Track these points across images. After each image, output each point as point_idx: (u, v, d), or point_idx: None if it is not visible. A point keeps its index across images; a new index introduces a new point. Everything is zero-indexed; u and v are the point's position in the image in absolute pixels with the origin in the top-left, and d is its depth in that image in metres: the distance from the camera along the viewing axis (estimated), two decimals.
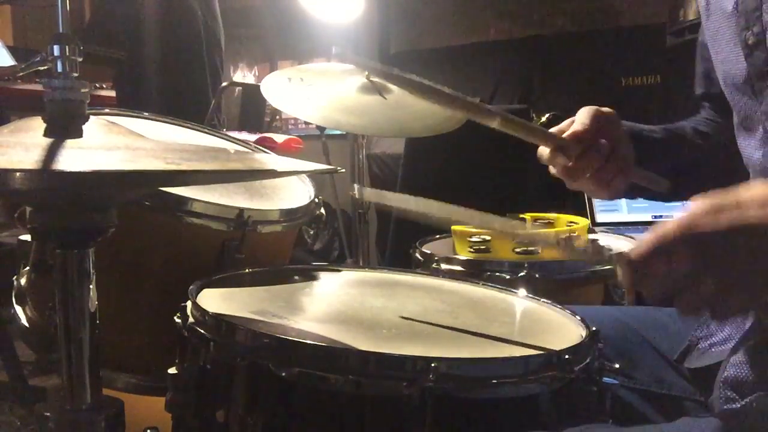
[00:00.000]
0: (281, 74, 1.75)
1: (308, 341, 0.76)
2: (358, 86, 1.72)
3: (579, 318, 0.92)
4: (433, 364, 0.70)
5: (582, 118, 1.04)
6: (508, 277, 1.39)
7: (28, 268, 1.25)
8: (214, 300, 0.93)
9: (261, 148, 1.57)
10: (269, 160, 1.09)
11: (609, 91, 3.58)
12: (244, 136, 2.43)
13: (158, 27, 2.57)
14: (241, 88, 3.43)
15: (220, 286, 1.00)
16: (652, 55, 3.43)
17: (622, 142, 1.05)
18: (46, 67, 0.77)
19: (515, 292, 1.10)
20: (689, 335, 0.93)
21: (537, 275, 1.38)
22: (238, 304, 0.92)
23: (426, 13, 4.35)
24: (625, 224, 2.39)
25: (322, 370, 0.72)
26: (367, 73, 1.75)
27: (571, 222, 1.59)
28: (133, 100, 2.58)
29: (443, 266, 1.47)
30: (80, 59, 0.78)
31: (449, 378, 0.70)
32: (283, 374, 0.73)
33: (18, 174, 0.65)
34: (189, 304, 0.89)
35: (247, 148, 1.50)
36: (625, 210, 2.46)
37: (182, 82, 2.67)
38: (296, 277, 1.13)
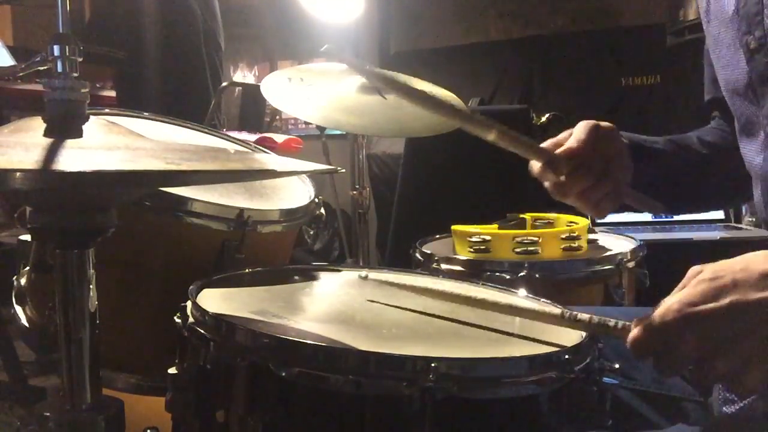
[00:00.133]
0: (281, 74, 1.75)
1: (308, 341, 0.76)
2: (358, 86, 1.72)
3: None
4: (433, 364, 0.70)
5: (578, 133, 1.03)
6: (508, 277, 1.39)
7: (28, 268, 1.25)
8: (214, 300, 0.93)
9: (261, 148, 1.57)
10: (269, 160, 1.09)
11: (609, 91, 3.58)
12: (244, 136, 2.43)
13: (158, 27, 2.56)
14: (241, 88, 3.43)
15: (220, 286, 1.00)
16: (652, 55, 3.43)
17: (619, 160, 1.04)
18: (46, 67, 0.77)
19: (515, 292, 1.10)
20: None
21: (537, 275, 1.38)
22: (238, 304, 0.92)
23: (426, 13, 4.35)
24: (625, 224, 2.40)
25: (322, 370, 0.72)
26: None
27: (571, 222, 1.59)
28: (133, 100, 2.58)
29: (443, 266, 1.47)
30: (80, 59, 0.78)
31: (449, 378, 0.70)
32: (283, 374, 0.73)
33: (18, 174, 0.65)
34: (189, 304, 0.89)
35: (247, 148, 1.50)
36: (625, 210, 2.46)
37: (182, 82, 2.67)
38: (296, 277, 1.13)
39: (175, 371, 0.84)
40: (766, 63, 0.87)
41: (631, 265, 1.49)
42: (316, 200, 1.35)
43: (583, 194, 1.02)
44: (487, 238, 1.46)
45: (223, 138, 1.53)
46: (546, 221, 1.65)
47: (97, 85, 3.01)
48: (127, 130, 0.82)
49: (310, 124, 1.94)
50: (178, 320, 0.88)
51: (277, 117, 4.37)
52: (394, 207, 2.80)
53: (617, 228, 2.02)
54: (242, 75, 5.18)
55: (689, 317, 0.68)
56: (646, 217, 2.45)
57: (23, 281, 1.25)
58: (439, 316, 0.94)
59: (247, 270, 1.11)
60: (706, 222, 2.46)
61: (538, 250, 1.43)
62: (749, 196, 0.99)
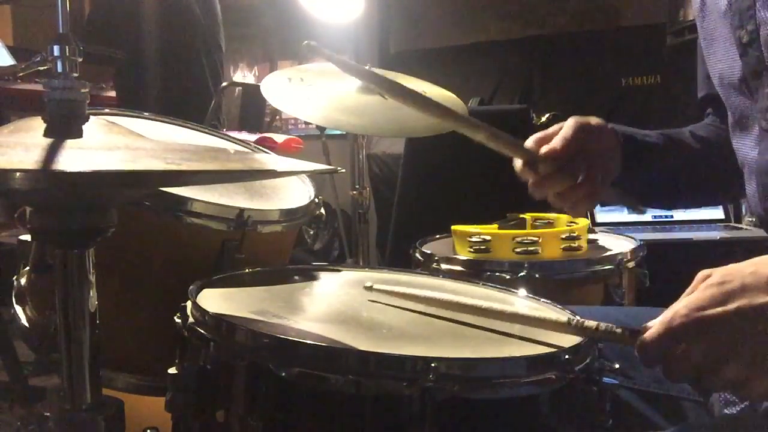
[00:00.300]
0: (281, 74, 1.75)
1: (308, 341, 0.75)
2: (358, 86, 1.72)
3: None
4: (433, 364, 0.69)
5: (566, 131, 1.03)
6: (508, 277, 1.39)
7: (28, 268, 1.25)
8: (214, 300, 0.93)
9: (261, 148, 1.57)
10: (269, 160, 1.09)
11: (609, 91, 3.58)
12: (244, 136, 2.43)
13: (158, 27, 2.56)
14: (241, 88, 3.43)
15: (220, 286, 1.00)
16: (652, 55, 3.43)
17: (606, 159, 1.05)
18: (46, 67, 0.77)
19: (515, 292, 1.10)
20: None
21: (537, 275, 1.38)
22: (238, 304, 0.92)
23: (426, 13, 4.35)
24: (625, 224, 2.40)
25: (322, 370, 0.72)
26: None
27: (571, 222, 1.59)
28: (134, 100, 2.58)
29: (443, 266, 1.47)
30: (80, 59, 0.78)
31: (449, 378, 0.70)
32: (283, 374, 0.73)
33: (18, 174, 0.65)
34: (189, 304, 0.89)
35: (247, 148, 1.50)
36: (625, 210, 2.46)
37: (182, 82, 2.67)
38: (296, 277, 1.13)
39: (175, 371, 0.84)
40: (758, 57, 0.88)
41: (631, 265, 1.49)
42: (316, 200, 1.35)
43: (560, 195, 1.03)
44: (487, 238, 1.46)
45: (223, 138, 1.53)
46: (546, 221, 1.65)
47: (102, 86, 3.01)
48: (127, 130, 0.82)
49: (310, 124, 1.94)
50: (178, 320, 0.88)
51: (277, 117, 4.37)
52: (394, 207, 2.80)
53: (617, 228, 2.02)
54: (242, 75, 5.19)
55: (697, 321, 0.68)
56: (646, 217, 2.46)
57: (23, 281, 1.25)
58: (439, 317, 0.94)
59: (247, 270, 1.11)
60: (706, 222, 2.46)
61: (538, 250, 1.43)
62: (744, 192, 0.99)
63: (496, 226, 1.57)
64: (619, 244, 1.61)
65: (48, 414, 0.82)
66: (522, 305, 1.05)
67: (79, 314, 0.81)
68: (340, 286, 1.14)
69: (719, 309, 0.67)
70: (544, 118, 2.93)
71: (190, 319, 0.86)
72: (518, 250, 1.44)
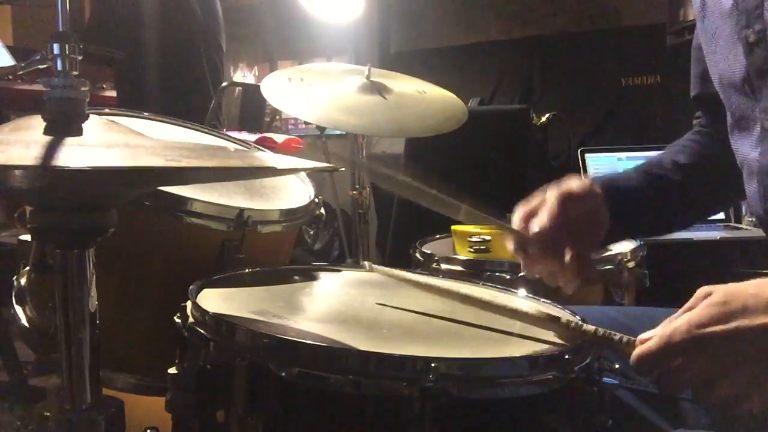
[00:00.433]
0: (281, 74, 1.76)
1: (308, 341, 0.75)
2: (358, 86, 1.72)
3: (579, 318, 0.92)
4: (433, 364, 0.69)
5: (550, 206, 1.01)
6: (508, 277, 1.39)
7: (28, 268, 1.25)
8: (214, 300, 0.93)
9: (261, 147, 1.57)
10: (269, 157, 1.09)
11: (609, 91, 3.58)
12: (244, 136, 2.43)
13: (159, 27, 2.56)
14: (241, 88, 3.43)
15: (220, 286, 1.00)
16: (652, 55, 3.43)
17: (593, 222, 1.05)
18: (45, 66, 0.77)
19: (515, 292, 1.10)
20: None
21: (537, 275, 1.38)
22: (238, 304, 0.92)
23: (426, 13, 4.35)
24: None
25: (322, 370, 0.72)
26: (367, 73, 1.76)
27: None
28: (134, 100, 2.58)
29: (443, 266, 1.47)
30: (80, 57, 0.78)
31: (449, 378, 0.70)
32: (283, 374, 0.73)
33: (17, 172, 0.65)
34: (189, 304, 0.89)
35: (247, 147, 1.50)
36: None
37: (183, 83, 2.66)
38: (296, 277, 1.13)
39: (175, 371, 0.84)
40: (764, 57, 0.88)
41: (631, 265, 1.49)
42: (316, 200, 1.35)
43: (551, 274, 1.04)
44: (487, 238, 1.46)
45: (223, 138, 1.53)
46: None
47: (103, 86, 3.01)
48: (126, 128, 0.82)
49: (310, 124, 1.94)
50: (178, 320, 0.88)
51: (277, 117, 4.37)
52: (394, 207, 2.80)
53: None
54: (242, 75, 5.18)
55: (698, 338, 0.69)
56: None
57: (23, 281, 1.25)
58: (439, 316, 0.94)
59: (247, 270, 1.11)
60: (706, 222, 2.46)
61: None
62: (743, 196, 1.00)
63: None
64: (619, 244, 1.60)
65: (48, 414, 0.82)
66: (522, 305, 1.05)
67: (79, 314, 0.81)
68: (340, 286, 1.14)
69: (720, 327, 0.69)
70: (544, 118, 2.94)
71: (190, 319, 0.86)
72: None
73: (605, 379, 0.79)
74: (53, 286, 0.81)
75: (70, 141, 0.71)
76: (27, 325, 1.21)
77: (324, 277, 1.17)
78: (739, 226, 2.53)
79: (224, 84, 2.88)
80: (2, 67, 2.83)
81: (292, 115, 3.79)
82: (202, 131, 1.49)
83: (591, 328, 0.80)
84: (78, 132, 0.75)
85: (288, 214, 1.26)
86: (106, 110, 1.39)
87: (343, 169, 0.91)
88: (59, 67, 0.76)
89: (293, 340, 0.76)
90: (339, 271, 1.21)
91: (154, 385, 1.13)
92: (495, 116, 2.92)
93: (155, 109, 1.54)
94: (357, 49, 3.53)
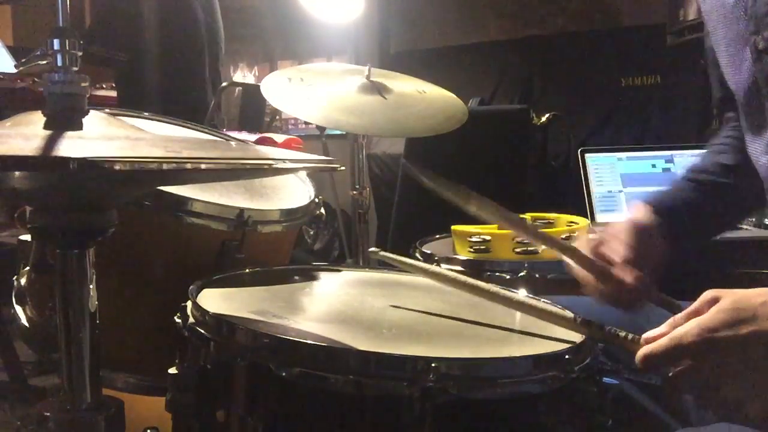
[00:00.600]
0: (281, 74, 1.75)
1: (308, 341, 0.75)
2: (358, 86, 1.72)
3: (579, 318, 0.92)
4: (433, 364, 0.70)
5: (628, 239, 1.01)
6: (508, 277, 1.39)
7: (28, 268, 1.25)
8: (214, 300, 0.93)
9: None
10: (271, 151, 1.09)
11: (609, 91, 3.58)
12: (244, 136, 2.43)
13: (160, 28, 2.56)
14: (241, 88, 3.43)
15: (220, 286, 1.00)
16: (652, 55, 3.42)
17: (655, 253, 1.04)
18: (45, 62, 0.77)
19: (515, 292, 1.10)
20: None
21: (537, 275, 1.38)
22: (238, 304, 0.92)
23: (426, 13, 4.34)
24: None
25: (322, 370, 0.72)
26: (367, 73, 1.76)
27: (571, 222, 1.59)
28: (134, 100, 2.58)
29: (443, 266, 1.47)
30: (80, 53, 0.78)
31: (449, 378, 0.70)
32: (283, 374, 0.73)
33: (18, 174, 0.65)
34: (189, 304, 0.89)
35: None
36: (625, 210, 2.46)
37: (183, 83, 2.67)
38: (296, 277, 1.13)
39: (175, 371, 0.84)
40: None
41: None
42: (316, 200, 1.35)
43: (614, 298, 1.02)
44: (487, 238, 1.46)
45: (223, 138, 1.53)
46: (546, 221, 1.65)
47: (103, 86, 3.01)
48: (126, 123, 0.82)
49: (310, 124, 1.94)
50: (178, 320, 0.88)
51: (277, 117, 4.36)
52: (394, 207, 2.80)
53: None
54: (242, 75, 5.18)
55: (708, 342, 0.71)
56: None
57: (23, 281, 1.25)
58: (439, 316, 0.94)
59: (247, 270, 1.11)
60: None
61: (538, 250, 1.42)
62: None
63: (496, 226, 1.57)
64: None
65: (48, 414, 0.81)
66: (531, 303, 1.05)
67: (79, 314, 0.81)
68: (340, 286, 1.14)
69: (730, 333, 0.71)
70: (544, 118, 2.93)
71: (190, 319, 0.86)
72: (518, 250, 1.43)
73: (605, 379, 0.79)
74: (53, 286, 0.81)
75: (70, 134, 0.71)
76: (27, 325, 1.21)
77: (324, 277, 1.17)
78: (740, 226, 2.52)
79: (224, 84, 2.88)
80: (6, 73, 2.83)
81: (292, 115, 3.79)
82: (202, 131, 1.49)
83: (596, 323, 0.81)
84: (78, 126, 0.75)
85: (288, 214, 1.26)
86: (106, 110, 1.39)
87: (343, 168, 0.91)
88: (59, 62, 0.76)
89: (293, 340, 0.76)
90: (339, 271, 1.21)
91: (154, 385, 1.13)
92: (495, 116, 2.92)
93: (155, 109, 1.54)
94: (357, 49, 3.52)
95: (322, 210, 1.36)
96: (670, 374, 0.75)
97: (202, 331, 0.83)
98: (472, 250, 1.47)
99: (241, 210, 1.14)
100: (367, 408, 0.73)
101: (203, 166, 0.70)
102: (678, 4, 2.75)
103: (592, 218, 2.41)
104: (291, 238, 1.37)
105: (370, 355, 0.74)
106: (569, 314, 0.84)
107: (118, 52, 2.47)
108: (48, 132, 0.71)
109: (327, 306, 1.04)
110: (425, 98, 1.79)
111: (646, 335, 0.77)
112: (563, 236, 1.46)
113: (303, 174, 1.42)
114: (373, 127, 1.73)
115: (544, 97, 3.78)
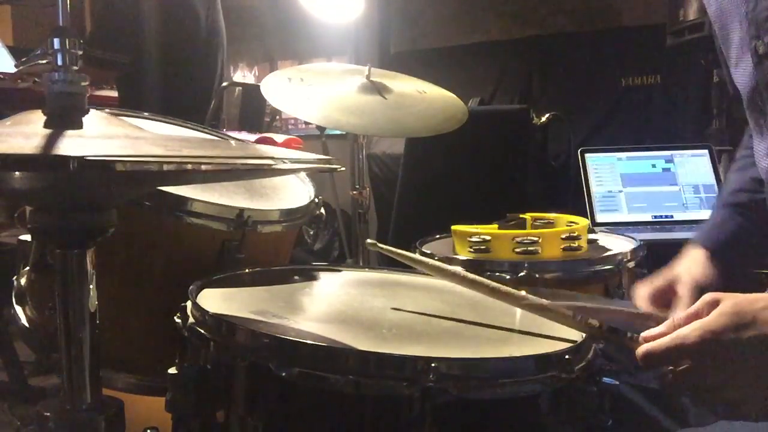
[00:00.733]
0: (281, 74, 1.75)
1: (308, 341, 0.76)
2: (358, 86, 1.72)
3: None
4: (433, 364, 0.70)
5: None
6: (508, 277, 1.38)
7: (28, 268, 1.25)
8: (214, 300, 0.93)
9: None
10: (271, 150, 1.09)
11: (609, 91, 3.58)
12: (244, 136, 2.44)
13: (161, 28, 2.56)
14: (241, 88, 3.42)
15: (220, 286, 1.00)
16: (652, 55, 3.43)
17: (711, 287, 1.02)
18: (46, 62, 0.77)
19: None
20: None
21: (537, 275, 1.38)
22: (238, 304, 0.92)
23: (426, 13, 4.35)
24: (625, 224, 2.39)
25: (322, 370, 0.72)
26: (367, 73, 1.76)
27: (571, 222, 1.59)
28: (135, 101, 2.58)
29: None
30: (80, 52, 0.78)
31: (449, 378, 0.70)
32: (283, 374, 0.73)
33: (18, 174, 0.65)
34: (189, 304, 0.89)
35: None
36: (625, 210, 2.46)
37: (184, 83, 2.66)
38: (296, 277, 1.13)
39: (175, 371, 0.84)
40: None
41: (631, 265, 1.48)
42: (316, 200, 1.35)
43: None
44: (487, 238, 1.46)
45: (223, 138, 1.53)
46: (546, 221, 1.65)
47: (104, 86, 3.01)
48: (126, 123, 0.82)
49: (310, 124, 1.94)
50: (178, 320, 0.88)
51: (277, 117, 4.36)
52: (394, 207, 2.80)
53: (617, 228, 2.01)
54: (242, 75, 5.18)
55: (710, 344, 0.72)
56: (647, 217, 2.45)
57: (23, 281, 1.25)
58: (439, 316, 0.94)
59: (247, 270, 1.11)
60: (706, 222, 2.45)
61: (538, 250, 1.42)
62: None
63: (496, 226, 1.57)
64: (619, 244, 1.61)
65: (48, 414, 0.81)
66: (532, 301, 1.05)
67: (79, 314, 0.81)
68: (340, 286, 1.14)
69: (732, 336, 0.72)
70: (544, 118, 2.93)
71: (190, 319, 0.86)
72: (518, 250, 1.43)
73: (605, 379, 0.79)
74: (53, 286, 0.81)
75: (70, 133, 0.71)
76: (27, 325, 1.21)
77: (324, 277, 1.17)
78: None
79: (224, 84, 2.88)
80: (7, 73, 2.83)
81: (292, 115, 3.79)
82: (202, 131, 1.49)
83: (596, 322, 0.81)
84: (78, 125, 0.75)
85: (288, 214, 1.26)
86: (106, 110, 1.39)
87: (343, 169, 0.91)
88: (59, 62, 0.76)
89: (293, 340, 0.76)
90: (339, 271, 1.21)
91: (154, 385, 1.13)
92: (495, 116, 2.92)
93: (156, 109, 1.54)
94: (357, 49, 3.52)
95: (322, 210, 1.36)
96: (670, 375, 0.75)
97: (202, 331, 0.83)
98: (472, 250, 1.47)
99: (241, 210, 1.14)
100: (366, 408, 0.73)
101: (204, 167, 0.70)
102: (678, 4, 2.75)
103: (592, 218, 2.42)
104: (291, 238, 1.37)
105: (370, 355, 0.74)
106: (569, 312, 0.84)
107: (120, 53, 2.47)
108: (48, 131, 0.71)
109: (327, 306, 1.04)
110: (425, 98, 1.79)
111: (645, 334, 0.77)
112: (563, 236, 1.46)
113: (303, 174, 1.42)
114: (373, 127, 1.73)
115: (544, 97, 3.78)
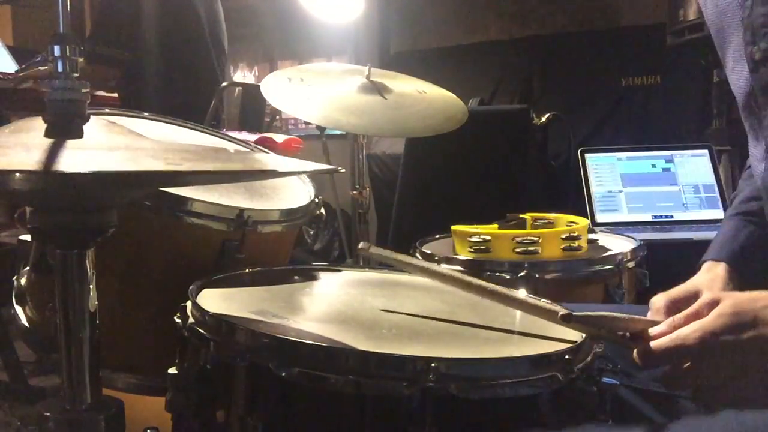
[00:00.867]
0: (281, 74, 1.76)
1: (308, 341, 0.76)
2: (358, 86, 1.72)
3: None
4: (433, 364, 0.70)
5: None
6: (508, 277, 1.39)
7: (28, 268, 1.25)
8: (214, 300, 0.93)
9: (261, 148, 1.56)
10: (269, 159, 1.09)
11: (609, 91, 3.58)
12: (244, 136, 2.43)
13: (161, 28, 2.56)
14: (241, 88, 3.42)
15: (220, 286, 1.00)
16: (652, 55, 3.43)
17: None
18: (46, 68, 0.77)
19: (516, 292, 1.10)
20: None
21: (537, 275, 1.38)
22: (238, 304, 0.92)
23: (426, 13, 4.35)
24: (625, 224, 2.40)
25: (322, 370, 0.72)
26: (367, 73, 1.76)
27: (571, 222, 1.59)
28: (135, 100, 2.58)
29: (443, 266, 1.47)
30: (81, 59, 0.78)
31: (449, 378, 0.70)
32: (283, 374, 0.73)
33: (18, 175, 0.65)
34: (189, 304, 0.89)
35: (247, 148, 1.50)
36: (625, 210, 2.46)
37: (185, 83, 2.66)
38: (296, 277, 1.13)
39: (175, 371, 0.84)
40: None
41: (631, 265, 1.48)
42: (316, 200, 1.34)
43: None
44: (487, 238, 1.46)
45: (223, 138, 1.53)
46: (546, 221, 1.65)
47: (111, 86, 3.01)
48: (127, 130, 0.82)
49: (310, 124, 1.94)
50: (178, 320, 0.88)
51: (277, 117, 4.36)
52: (394, 207, 2.80)
53: (617, 228, 2.01)
54: (242, 75, 5.18)
55: (711, 345, 0.72)
56: (647, 217, 2.46)
57: (23, 281, 1.25)
58: (438, 318, 0.94)
59: (247, 270, 1.11)
60: (706, 222, 2.46)
61: (538, 250, 1.43)
62: None
63: (496, 226, 1.57)
64: (619, 244, 1.61)
65: (48, 414, 0.81)
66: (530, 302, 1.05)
67: (79, 314, 0.81)
68: (340, 286, 1.14)
69: (732, 337, 0.72)
70: (544, 118, 2.93)
71: (190, 319, 0.86)
72: (518, 250, 1.43)
73: (605, 379, 0.79)
74: (53, 286, 0.81)
75: (70, 144, 0.71)
76: (27, 325, 1.21)
77: (324, 277, 1.17)
78: None
79: (224, 84, 2.87)
80: (5, 73, 2.83)
81: (292, 115, 3.79)
82: (202, 131, 1.49)
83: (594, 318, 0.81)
84: (79, 134, 0.75)
85: (288, 214, 1.26)
86: (106, 110, 1.39)
87: (343, 170, 0.91)
88: (60, 68, 0.76)
89: (293, 340, 0.76)
90: (339, 271, 1.21)
91: (154, 385, 1.13)
92: (495, 116, 2.92)
93: (156, 109, 1.54)
94: (357, 49, 3.52)
95: (322, 210, 1.36)
96: (669, 374, 0.76)
97: (202, 331, 0.83)
98: (472, 250, 1.47)
99: (241, 210, 1.14)
100: (366, 408, 0.73)
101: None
102: (678, 4, 2.75)
103: (592, 218, 2.42)
104: (291, 238, 1.37)
105: (370, 355, 0.74)
106: (566, 312, 0.84)
107: (121, 50, 2.47)
108: (49, 141, 0.71)
109: (327, 306, 1.04)
110: (425, 98, 1.79)
111: (646, 332, 0.78)
112: (563, 236, 1.46)
113: (303, 174, 1.42)
114: (373, 127, 1.73)
115: (544, 97, 3.78)
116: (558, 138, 3.05)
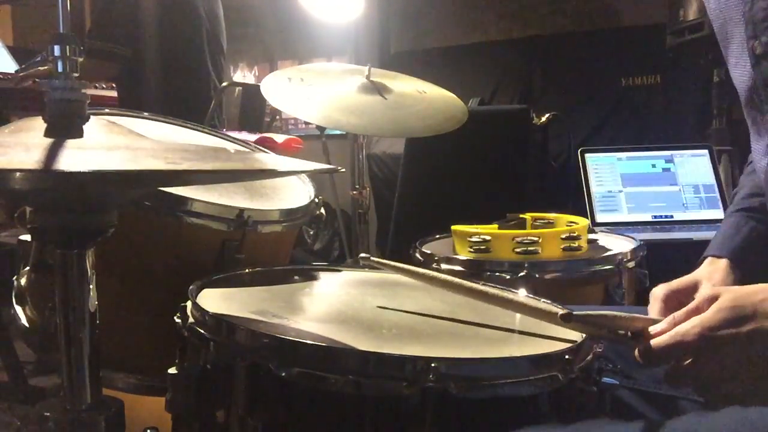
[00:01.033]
0: (281, 74, 1.76)
1: (308, 341, 0.76)
2: (358, 86, 1.72)
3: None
4: (433, 364, 0.69)
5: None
6: (508, 277, 1.39)
7: (28, 268, 1.25)
8: (214, 300, 0.93)
9: (261, 148, 1.56)
10: (269, 159, 1.09)
11: (609, 91, 3.58)
12: (244, 136, 2.43)
13: (161, 28, 2.56)
14: (241, 88, 3.42)
15: (220, 286, 1.00)
16: (652, 55, 3.43)
17: None
18: (46, 68, 0.77)
19: (515, 292, 1.10)
20: None
21: (537, 275, 1.38)
22: (238, 304, 0.92)
23: (426, 13, 4.35)
24: (625, 224, 2.40)
25: (322, 370, 0.72)
26: (367, 73, 1.76)
27: (571, 222, 1.59)
28: (135, 100, 2.58)
29: (443, 266, 1.47)
30: (81, 59, 0.78)
31: (449, 378, 0.70)
32: (283, 374, 0.73)
33: (18, 174, 0.65)
34: (189, 304, 0.89)
35: (247, 148, 1.50)
36: (625, 210, 2.46)
37: (184, 83, 2.66)
38: (296, 277, 1.13)
39: (175, 371, 0.84)
40: None
41: (631, 265, 1.48)
42: (316, 200, 1.34)
43: None
44: (487, 238, 1.46)
45: (223, 138, 1.53)
46: (546, 221, 1.65)
47: (103, 86, 3.01)
48: (127, 130, 0.82)
49: (310, 124, 1.94)
50: (178, 320, 0.88)
51: (277, 117, 4.37)
52: (394, 207, 2.80)
53: (617, 228, 2.01)
54: (242, 75, 5.18)
55: (710, 341, 0.72)
56: (647, 217, 2.46)
57: (23, 281, 1.25)
58: (439, 317, 0.94)
59: (247, 270, 1.11)
60: (706, 222, 2.46)
61: (538, 250, 1.43)
62: None
63: (496, 226, 1.57)
64: (619, 244, 1.61)
65: (48, 414, 0.81)
66: (530, 303, 1.05)
67: (79, 314, 0.81)
68: (340, 286, 1.14)
69: (732, 331, 0.71)
70: (544, 118, 2.93)
71: (190, 319, 0.86)
72: (518, 250, 1.43)
73: (605, 379, 0.79)
74: (53, 286, 0.81)
75: (70, 143, 0.71)
76: (27, 325, 1.21)
77: (324, 277, 1.17)
78: None
79: (224, 84, 2.87)
80: (5, 73, 2.83)
81: (292, 115, 3.79)
82: (202, 131, 1.49)
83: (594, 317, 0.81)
84: (79, 134, 0.75)
85: (288, 214, 1.26)
86: (106, 110, 1.39)
87: (343, 170, 0.92)
88: (60, 68, 0.76)
89: (293, 340, 0.76)
90: (339, 271, 1.21)
91: (154, 385, 1.13)
92: (495, 116, 2.92)
93: (156, 109, 1.54)
94: (357, 49, 3.53)
95: (322, 210, 1.36)
96: (671, 371, 0.76)
97: (202, 331, 0.83)
98: (472, 250, 1.47)
99: (241, 210, 1.14)
100: (366, 408, 0.73)
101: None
102: (678, 4, 2.75)
103: (592, 218, 2.42)
104: (291, 238, 1.37)
105: (370, 355, 0.74)
106: (566, 312, 0.84)
107: (120, 48, 2.47)
108: (48, 141, 0.71)
109: (327, 306, 1.04)
110: (425, 98, 1.79)
111: (647, 330, 0.77)
112: (563, 236, 1.46)
113: (303, 174, 1.42)
114: (373, 127, 1.73)
115: (544, 97, 3.78)
116: (558, 138, 3.06)
